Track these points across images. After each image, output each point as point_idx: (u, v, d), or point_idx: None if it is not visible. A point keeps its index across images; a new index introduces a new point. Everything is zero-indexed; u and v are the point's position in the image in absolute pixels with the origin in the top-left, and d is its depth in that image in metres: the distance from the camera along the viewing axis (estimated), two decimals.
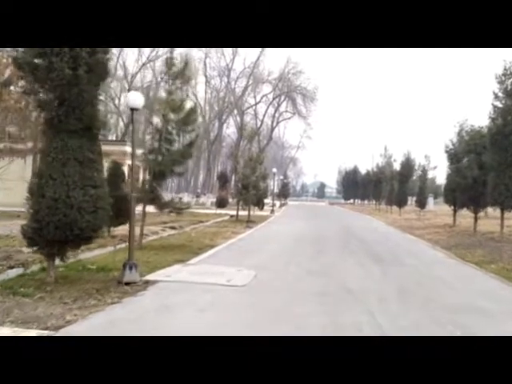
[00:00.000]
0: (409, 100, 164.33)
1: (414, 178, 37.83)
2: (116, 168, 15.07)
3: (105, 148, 8.15)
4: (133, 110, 8.10)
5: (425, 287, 8.42)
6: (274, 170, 37.78)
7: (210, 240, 14.70)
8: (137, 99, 8.14)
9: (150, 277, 8.58)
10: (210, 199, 46.76)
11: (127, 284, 7.74)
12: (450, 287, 8.51)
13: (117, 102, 50.13)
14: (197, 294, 7.17)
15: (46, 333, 4.81)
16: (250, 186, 24.49)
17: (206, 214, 30.29)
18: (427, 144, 73.11)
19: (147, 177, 12.92)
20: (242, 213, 29.25)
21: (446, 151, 21.43)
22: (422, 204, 31.05)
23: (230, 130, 70.14)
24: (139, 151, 12.58)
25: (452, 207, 21.94)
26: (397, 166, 41.20)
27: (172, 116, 12.14)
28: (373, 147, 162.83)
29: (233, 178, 40.03)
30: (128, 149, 31.32)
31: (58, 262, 8.09)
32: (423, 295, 7.71)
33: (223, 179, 40.75)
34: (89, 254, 11.31)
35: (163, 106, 12.11)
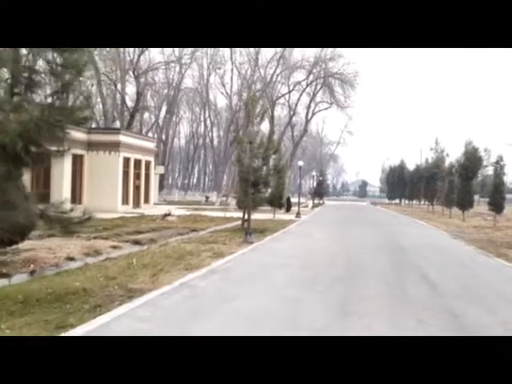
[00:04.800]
0: (461, 86, 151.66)
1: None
2: None
3: None
4: None
5: None
6: (300, 162, 30.93)
7: (150, 277, 8.28)
8: None
9: None
10: (234, 200, 40.64)
11: None
12: None
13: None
14: None
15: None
16: (261, 182, 17.92)
17: (212, 218, 24.16)
18: (483, 138, 64.12)
19: None
20: (265, 216, 22.96)
21: None
22: (498, 206, 23.13)
23: (263, 126, 63.50)
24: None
25: None
26: (450, 161, 33.66)
27: None
28: (421, 142, 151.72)
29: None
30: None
31: None
32: None
33: None
34: None
35: None
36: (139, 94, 35.07)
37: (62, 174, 23.71)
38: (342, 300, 7.09)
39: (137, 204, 28.56)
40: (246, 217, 17.96)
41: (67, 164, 24.22)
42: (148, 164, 30.42)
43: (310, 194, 57.64)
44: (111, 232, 15.73)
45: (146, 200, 30.26)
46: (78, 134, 25.17)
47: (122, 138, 26.54)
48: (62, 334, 4.48)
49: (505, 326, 5.92)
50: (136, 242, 13.45)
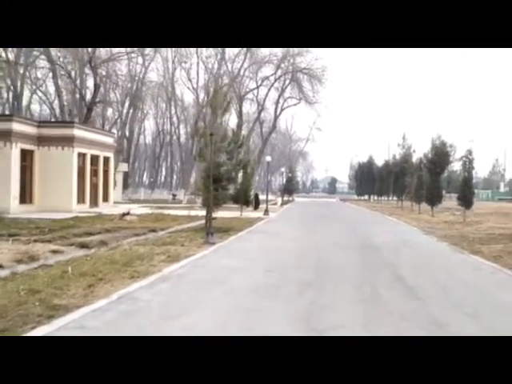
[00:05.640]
0: (425, 84, 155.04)
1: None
2: None
3: None
4: None
5: None
6: (268, 158, 29.88)
7: (84, 289, 6.99)
8: None
9: None
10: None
11: None
12: None
13: None
14: None
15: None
16: (225, 178, 16.72)
17: (175, 216, 22.86)
18: (447, 134, 65.15)
19: None
20: (231, 214, 21.82)
21: None
22: (467, 201, 22.73)
23: (231, 122, 61.63)
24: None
25: None
26: (419, 157, 33.56)
27: None
28: (388, 139, 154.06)
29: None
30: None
31: None
32: None
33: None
34: None
35: None
36: (97, 86, 33.13)
37: (8, 170, 21.79)
38: (310, 310, 6.02)
39: (94, 203, 26.81)
40: (206, 218, 16.72)
41: (15, 160, 22.32)
42: (107, 160, 28.65)
43: (280, 191, 56.89)
44: (57, 234, 14.23)
45: (105, 198, 28.51)
46: (26, 128, 23.32)
47: (77, 132, 24.74)
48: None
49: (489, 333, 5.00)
50: (82, 246, 12.05)
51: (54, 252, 10.84)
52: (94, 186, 27.11)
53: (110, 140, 30.01)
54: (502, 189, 78.40)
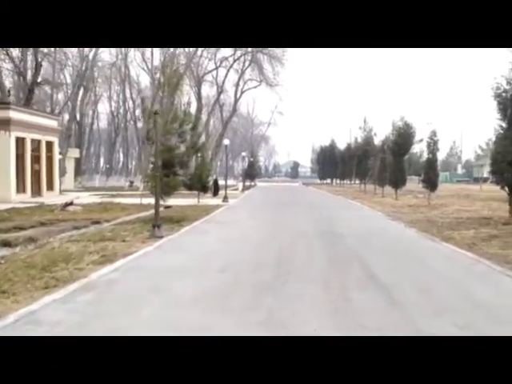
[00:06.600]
0: (390, 67, 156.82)
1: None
2: None
3: None
4: None
5: None
6: (226, 141, 28.31)
7: None
8: None
9: None
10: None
11: None
12: None
13: None
14: None
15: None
16: (176, 163, 15.10)
17: (126, 206, 21.08)
18: (407, 117, 65.19)
19: None
20: (188, 202, 20.31)
21: (498, 95, 12.55)
22: (432, 184, 22.11)
23: (190, 106, 58.99)
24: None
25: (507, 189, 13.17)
26: (381, 139, 33.15)
27: None
28: (350, 123, 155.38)
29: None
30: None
31: None
32: None
33: None
34: None
35: None
36: (38, 65, 30.29)
37: None
38: (265, 328, 4.71)
39: (37, 192, 24.49)
40: (155, 207, 15.04)
41: None
42: (50, 145, 26.22)
43: (242, 176, 55.61)
44: None
45: (50, 187, 26.17)
46: None
47: (14, 115, 22.28)
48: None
49: None
50: (5, 244, 10.27)
51: None
52: (36, 174, 24.75)
53: (53, 123, 27.49)
54: (460, 170, 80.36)
